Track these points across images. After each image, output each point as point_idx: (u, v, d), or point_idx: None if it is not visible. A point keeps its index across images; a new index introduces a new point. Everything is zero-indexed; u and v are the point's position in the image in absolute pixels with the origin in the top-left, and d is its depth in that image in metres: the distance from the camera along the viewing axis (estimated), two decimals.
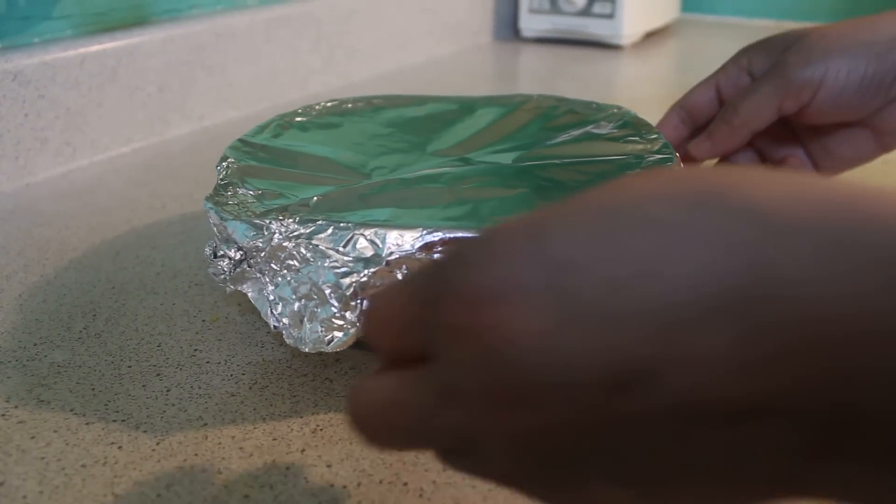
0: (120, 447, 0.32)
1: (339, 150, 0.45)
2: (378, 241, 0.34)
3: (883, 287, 0.17)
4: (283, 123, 0.48)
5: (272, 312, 0.35)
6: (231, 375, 0.37)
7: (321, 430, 0.33)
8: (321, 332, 0.34)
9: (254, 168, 0.42)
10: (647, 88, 0.93)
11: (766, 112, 0.44)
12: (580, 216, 0.19)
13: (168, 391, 0.36)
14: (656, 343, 0.18)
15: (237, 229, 0.36)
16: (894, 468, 0.17)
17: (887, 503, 0.18)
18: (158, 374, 0.37)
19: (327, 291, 0.34)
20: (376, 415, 0.22)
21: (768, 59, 0.45)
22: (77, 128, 0.65)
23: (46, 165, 0.63)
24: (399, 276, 0.33)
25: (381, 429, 0.22)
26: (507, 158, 0.44)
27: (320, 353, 0.37)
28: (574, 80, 0.95)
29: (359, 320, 0.34)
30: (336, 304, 0.34)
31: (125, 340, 0.40)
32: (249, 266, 0.36)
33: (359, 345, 0.35)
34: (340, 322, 0.34)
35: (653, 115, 0.50)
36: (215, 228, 0.37)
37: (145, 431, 0.33)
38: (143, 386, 0.36)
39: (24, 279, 0.46)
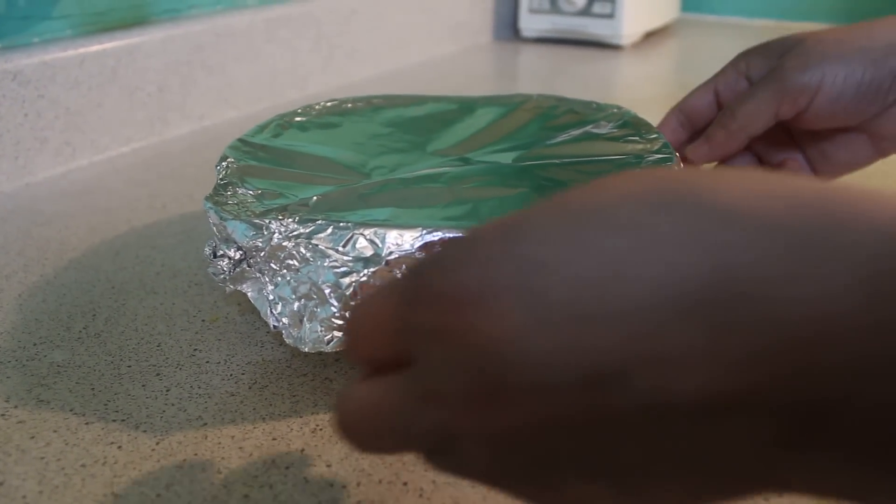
0: (119, 447, 0.32)
1: (338, 149, 0.45)
2: (378, 241, 0.34)
3: (850, 286, 0.17)
4: (283, 123, 0.48)
5: (272, 312, 0.35)
6: (231, 375, 0.37)
7: (321, 429, 0.33)
8: (321, 331, 0.34)
9: (253, 168, 0.42)
10: (646, 88, 0.93)
11: (764, 117, 0.44)
12: (553, 219, 0.19)
13: (168, 391, 0.36)
14: (626, 343, 0.18)
15: (237, 229, 0.35)
16: (864, 461, 0.17)
17: (861, 497, 0.18)
18: (158, 374, 0.37)
19: (327, 291, 0.34)
20: (362, 420, 0.22)
21: (766, 63, 0.45)
22: (77, 128, 0.65)
23: (46, 165, 0.63)
24: (399, 276, 0.33)
25: (368, 433, 0.23)
26: (506, 158, 0.44)
27: (320, 353, 0.37)
28: (574, 79, 0.95)
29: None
30: (336, 303, 0.34)
31: (125, 340, 0.40)
32: (249, 266, 0.36)
33: None
34: (340, 322, 0.34)
35: (652, 115, 0.50)
36: (215, 228, 0.37)
37: (145, 431, 0.33)
38: (143, 386, 0.36)
39: (24, 279, 0.46)
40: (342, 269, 0.34)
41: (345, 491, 0.30)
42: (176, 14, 0.75)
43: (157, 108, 0.71)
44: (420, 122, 0.49)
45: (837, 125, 0.45)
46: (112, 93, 0.67)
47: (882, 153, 0.47)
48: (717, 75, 0.48)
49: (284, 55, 0.83)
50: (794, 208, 0.18)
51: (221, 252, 0.36)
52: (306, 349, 0.34)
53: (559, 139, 0.46)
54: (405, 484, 0.30)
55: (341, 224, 0.34)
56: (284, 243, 0.34)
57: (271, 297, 0.35)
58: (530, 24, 1.15)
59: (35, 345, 0.40)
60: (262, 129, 0.47)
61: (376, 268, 0.33)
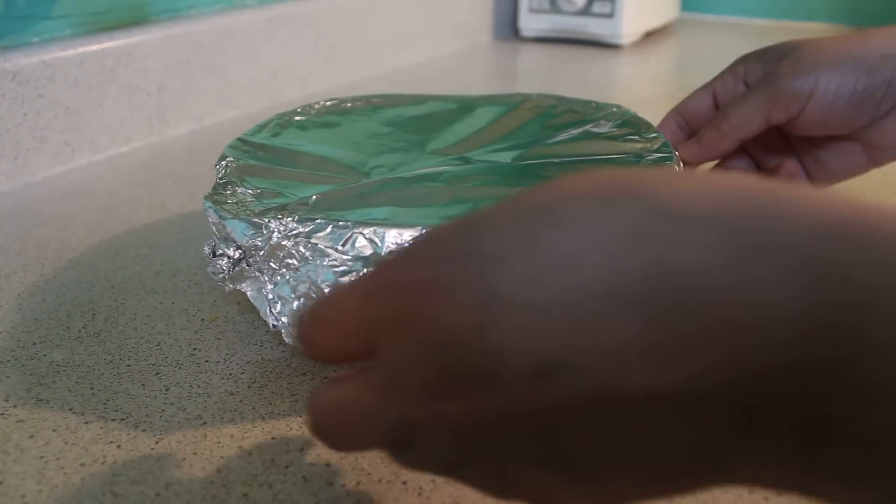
0: (119, 446, 0.32)
1: (338, 149, 0.45)
2: (377, 240, 0.34)
3: (779, 275, 0.18)
4: (283, 122, 0.48)
5: (271, 311, 0.35)
6: (230, 374, 0.37)
7: None
8: None
9: (253, 167, 0.42)
10: (646, 88, 0.93)
11: (755, 120, 0.45)
12: (507, 217, 0.20)
13: (167, 390, 0.36)
14: (571, 334, 0.19)
15: (236, 228, 0.35)
16: (798, 449, 0.18)
17: (801, 490, 0.19)
18: (157, 373, 0.37)
19: (326, 290, 0.34)
20: (332, 419, 0.23)
21: (763, 68, 0.46)
22: (76, 127, 0.65)
23: (45, 165, 0.63)
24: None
25: (337, 431, 0.24)
26: (506, 157, 0.44)
27: None
28: (573, 79, 0.95)
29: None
30: None
31: (124, 339, 0.40)
32: (248, 265, 0.36)
33: None
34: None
35: (652, 115, 0.50)
36: (214, 227, 0.37)
37: (144, 430, 0.33)
38: (142, 385, 0.36)
39: (24, 278, 0.46)
40: (341, 269, 0.34)
41: (344, 490, 0.30)
42: (175, 14, 0.75)
43: (156, 107, 0.71)
44: (419, 122, 0.49)
45: (830, 133, 0.45)
46: (111, 92, 0.67)
47: (876, 162, 0.47)
48: (715, 78, 0.48)
49: (284, 55, 0.83)
50: (734, 204, 0.19)
51: (221, 251, 0.36)
52: None
53: (558, 138, 0.46)
54: (405, 483, 0.30)
55: (340, 223, 0.34)
56: (284, 242, 0.34)
57: (270, 297, 0.35)
58: (530, 23, 1.15)
59: (34, 344, 0.40)
60: (261, 128, 0.47)
61: None
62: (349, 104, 0.52)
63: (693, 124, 0.49)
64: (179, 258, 0.49)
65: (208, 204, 0.37)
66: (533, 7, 1.13)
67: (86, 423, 0.34)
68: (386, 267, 0.22)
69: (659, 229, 0.19)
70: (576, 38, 1.13)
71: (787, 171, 0.47)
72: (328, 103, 0.52)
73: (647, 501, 0.22)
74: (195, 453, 0.32)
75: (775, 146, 0.49)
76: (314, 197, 0.38)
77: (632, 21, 1.09)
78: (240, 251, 0.36)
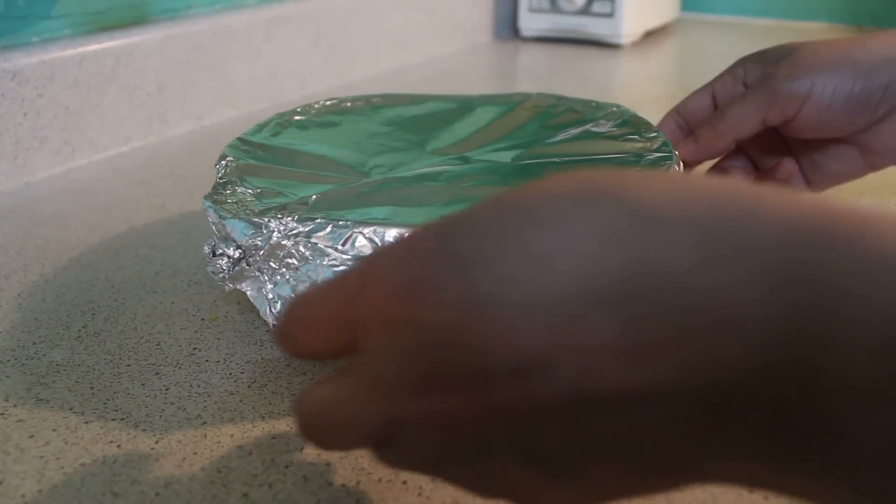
0: (119, 446, 0.32)
1: (338, 148, 0.45)
2: (377, 240, 0.34)
3: (751, 279, 0.18)
4: (283, 122, 0.48)
5: (271, 311, 0.35)
6: (230, 374, 0.37)
7: None
8: None
9: (253, 167, 0.42)
10: (646, 87, 0.93)
11: (751, 121, 0.45)
12: (486, 216, 0.21)
13: (167, 390, 0.36)
14: (550, 333, 0.19)
15: (236, 228, 0.35)
16: (772, 448, 0.18)
17: (776, 487, 0.19)
18: (157, 373, 0.37)
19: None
20: (319, 419, 0.24)
21: (762, 70, 0.46)
22: (76, 127, 0.65)
23: (45, 165, 0.63)
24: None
25: (325, 431, 0.24)
26: (506, 157, 0.44)
27: None
28: (573, 78, 0.95)
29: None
30: None
31: (124, 339, 0.40)
32: (248, 264, 0.36)
33: None
34: None
35: (652, 114, 0.50)
36: (214, 227, 0.37)
37: (144, 430, 0.33)
38: (142, 385, 0.36)
39: (23, 278, 0.46)
40: (341, 268, 0.34)
41: (344, 490, 0.30)
42: (175, 13, 0.75)
43: (156, 107, 0.71)
44: (419, 121, 0.49)
45: (826, 135, 0.45)
46: (111, 92, 0.67)
47: (873, 167, 0.47)
48: (715, 80, 0.49)
49: (284, 54, 0.83)
50: (708, 207, 0.19)
51: (221, 251, 0.36)
52: None
53: (558, 138, 0.46)
54: (405, 483, 0.30)
55: (340, 223, 0.34)
56: (283, 242, 0.34)
57: (270, 296, 0.35)
58: (530, 23, 1.15)
59: (34, 344, 0.40)
60: (261, 127, 0.47)
61: None
62: (349, 104, 0.52)
63: (692, 124, 0.49)
64: (179, 258, 0.49)
65: (208, 203, 0.37)
66: (533, 7, 1.13)
67: (86, 422, 0.34)
68: (368, 266, 0.22)
69: (636, 231, 0.19)
70: (576, 38, 1.13)
71: (786, 171, 0.47)
72: (328, 103, 0.52)
73: (629, 498, 0.22)
74: (195, 453, 0.32)
75: (773, 148, 0.49)
76: (314, 196, 0.38)
77: (632, 21, 1.09)
78: (240, 251, 0.36)
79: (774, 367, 0.18)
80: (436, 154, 0.45)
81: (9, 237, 0.52)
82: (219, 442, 0.32)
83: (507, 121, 0.49)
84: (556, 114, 0.50)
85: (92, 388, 0.36)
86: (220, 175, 0.40)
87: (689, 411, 0.19)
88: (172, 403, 0.35)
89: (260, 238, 0.35)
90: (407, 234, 0.22)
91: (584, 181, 0.20)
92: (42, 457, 0.31)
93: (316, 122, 0.49)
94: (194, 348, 0.39)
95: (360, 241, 0.34)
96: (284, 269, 0.35)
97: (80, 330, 0.41)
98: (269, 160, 0.43)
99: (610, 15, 1.08)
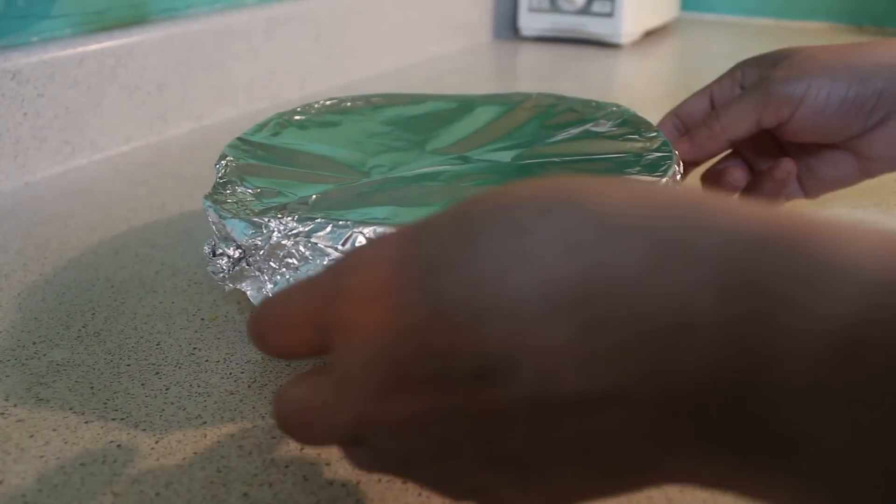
0: (119, 446, 0.32)
1: (338, 148, 0.45)
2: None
3: (700, 286, 0.18)
4: (282, 122, 0.48)
5: None
6: (230, 374, 0.37)
7: None
8: None
9: (253, 166, 0.42)
10: (646, 87, 0.93)
11: (745, 122, 0.45)
12: (449, 222, 0.21)
13: (167, 389, 0.36)
14: (510, 337, 0.19)
15: (236, 227, 0.35)
16: (727, 452, 0.19)
17: (736, 489, 0.20)
18: (157, 373, 0.37)
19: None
20: (293, 415, 0.24)
21: (759, 73, 0.46)
22: (76, 127, 0.65)
23: (45, 164, 0.63)
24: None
25: (300, 427, 0.24)
26: (506, 157, 0.44)
27: None
28: (573, 78, 0.95)
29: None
30: None
31: (124, 339, 0.40)
32: (248, 264, 0.36)
33: None
34: None
35: (652, 114, 0.50)
36: (214, 227, 0.37)
37: (144, 430, 0.33)
38: (142, 384, 0.36)
39: (23, 278, 0.46)
40: None
41: (344, 489, 0.30)
42: (175, 13, 0.75)
43: (156, 107, 0.71)
44: (419, 121, 0.49)
45: (820, 140, 0.46)
46: (111, 92, 0.67)
47: (868, 173, 0.48)
48: (713, 82, 0.49)
49: (284, 54, 0.83)
50: (663, 214, 0.20)
51: (221, 251, 0.36)
52: None
53: (558, 138, 0.46)
54: (405, 483, 0.30)
55: (340, 222, 0.34)
56: (283, 242, 0.34)
57: (271, 296, 0.35)
58: (530, 22, 1.15)
59: (34, 343, 0.40)
60: (261, 127, 0.47)
61: None
62: (349, 103, 0.52)
63: (690, 126, 0.49)
64: (179, 258, 0.49)
65: (208, 203, 0.37)
66: (533, 6, 1.13)
67: (86, 422, 0.34)
68: (337, 269, 0.23)
69: (593, 238, 0.19)
70: (576, 38, 1.13)
71: (784, 171, 0.47)
72: (328, 103, 0.52)
73: (594, 499, 0.22)
74: (195, 453, 0.32)
75: (768, 152, 0.50)
76: (314, 196, 0.38)
77: (631, 20, 1.09)
78: (240, 250, 0.36)
79: (724, 373, 0.18)
80: (436, 154, 0.45)
81: (9, 237, 0.52)
82: (219, 442, 0.32)
83: (506, 121, 0.49)
84: (555, 113, 0.50)
85: (92, 387, 0.36)
86: (220, 175, 0.40)
87: (646, 414, 0.19)
88: (172, 403, 0.35)
89: (260, 238, 0.35)
90: (375, 239, 0.23)
91: (541, 188, 0.21)
92: (42, 456, 0.32)
93: (316, 122, 0.49)
94: (194, 348, 0.39)
95: (360, 241, 0.34)
96: (284, 269, 0.35)
97: (80, 330, 0.41)
98: (269, 160, 0.43)
99: (610, 15, 1.08)
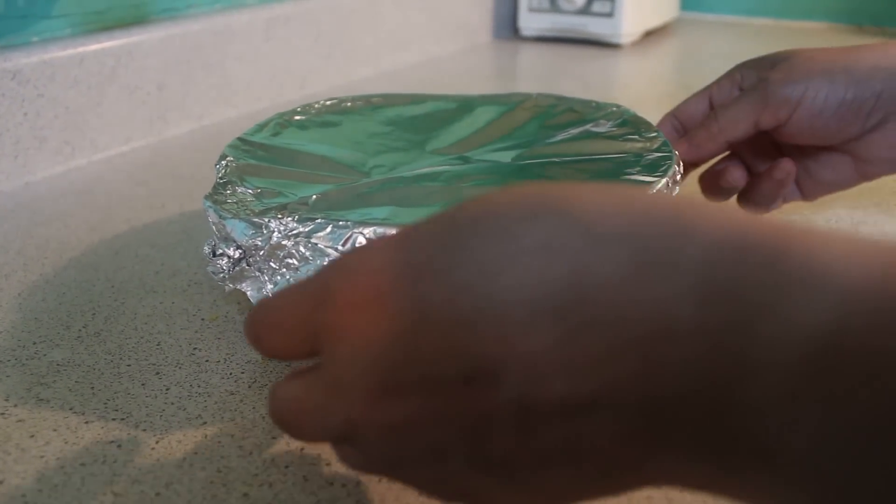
0: (119, 446, 0.32)
1: (338, 148, 0.45)
2: None
3: (684, 292, 0.19)
4: (283, 122, 0.48)
5: None
6: (230, 374, 0.37)
7: None
8: None
9: (253, 166, 0.42)
10: (646, 87, 0.93)
11: (743, 123, 0.45)
12: (437, 228, 0.22)
13: (167, 390, 0.36)
14: (495, 343, 0.19)
15: (236, 228, 0.36)
16: (709, 455, 0.19)
17: (720, 491, 0.20)
18: (158, 373, 0.37)
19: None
20: (288, 412, 0.25)
21: (757, 75, 0.46)
22: (76, 127, 0.65)
23: (46, 164, 0.63)
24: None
25: (293, 423, 0.25)
26: (506, 157, 0.44)
27: None
28: (573, 78, 0.95)
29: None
30: None
31: (124, 339, 0.40)
32: (248, 265, 0.36)
33: None
34: None
35: (652, 114, 0.50)
36: (214, 227, 0.37)
37: (144, 430, 0.33)
38: (143, 384, 0.36)
39: (24, 278, 0.46)
40: None
41: (344, 490, 0.30)
42: (175, 13, 0.75)
43: (156, 107, 0.71)
44: (419, 121, 0.49)
45: (818, 142, 0.46)
46: (111, 92, 0.67)
47: (865, 176, 0.48)
48: (712, 84, 0.49)
49: (284, 54, 0.83)
50: (645, 221, 0.20)
51: (221, 251, 0.36)
52: None
53: (558, 138, 0.46)
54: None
55: (340, 223, 0.34)
56: (284, 242, 0.34)
57: (271, 296, 0.35)
58: (530, 22, 1.15)
59: (35, 343, 0.40)
60: (261, 127, 0.47)
61: None
62: (349, 104, 0.52)
63: (689, 127, 0.50)
64: (179, 258, 0.49)
65: (208, 203, 0.37)
66: (533, 6, 1.13)
67: (86, 422, 0.34)
68: (327, 274, 0.23)
69: (577, 245, 0.20)
70: (576, 38, 1.13)
71: (783, 171, 0.47)
72: (328, 103, 0.52)
73: (581, 500, 0.22)
74: (195, 453, 0.32)
75: (767, 154, 0.50)
76: (314, 196, 0.38)
77: (631, 20, 1.09)
78: (240, 251, 0.36)
79: (705, 379, 0.18)
80: (436, 154, 0.45)
81: (9, 237, 0.52)
82: (219, 442, 0.32)
83: (506, 121, 0.49)
84: (555, 114, 0.50)
85: (92, 387, 0.36)
86: (220, 175, 0.40)
87: (631, 418, 0.19)
88: (173, 403, 0.35)
89: (260, 238, 0.35)
90: (362, 245, 0.23)
91: (525, 195, 0.21)
92: (42, 457, 0.32)
93: (316, 122, 0.49)
94: (194, 348, 0.39)
95: (361, 242, 0.34)
96: (285, 270, 0.35)
97: (80, 330, 0.41)
98: (270, 160, 0.43)
99: (610, 15, 1.08)
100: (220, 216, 0.36)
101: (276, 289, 0.35)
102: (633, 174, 0.40)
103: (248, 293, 0.36)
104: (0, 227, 0.54)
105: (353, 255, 0.23)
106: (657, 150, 0.42)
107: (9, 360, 0.38)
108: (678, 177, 0.41)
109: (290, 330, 0.24)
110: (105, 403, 0.35)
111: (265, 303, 0.26)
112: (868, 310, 0.17)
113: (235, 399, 0.35)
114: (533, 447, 0.20)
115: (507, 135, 0.47)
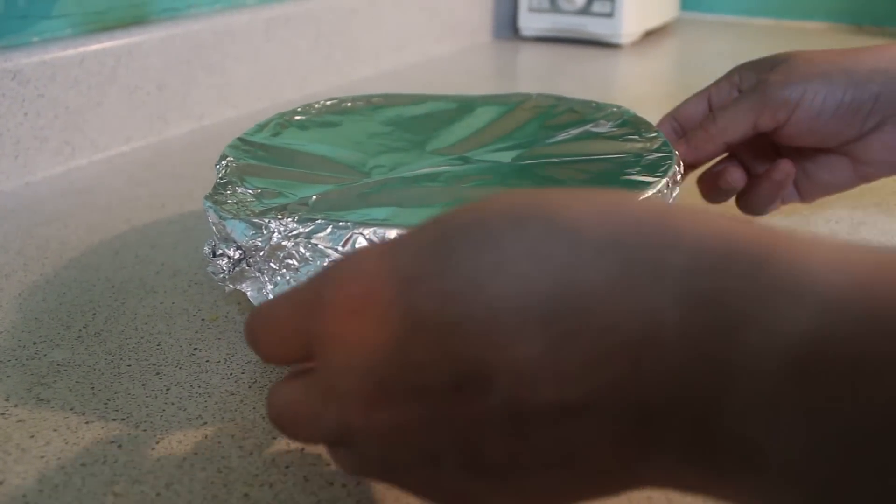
0: (119, 446, 0.32)
1: (338, 148, 0.45)
2: (377, 241, 0.34)
3: (669, 301, 0.19)
4: (283, 122, 0.48)
5: None
6: (230, 374, 0.37)
7: None
8: None
9: (253, 167, 0.42)
10: (646, 87, 0.93)
11: (741, 125, 0.45)
12: (426, 237, 0.22)
13: (168, 390, 0.36)
14: (484, 349, 0.20)
15: (236, 228, 0.36)
16: (698, 459, 0.19)
17: (709, 493, 0.20)
18: (158, 373, 0.37)
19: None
20: (285, 415, 0.25)
21: (756, 76, 0.46)
22: (76, 127, 0.65)
23: (46, 164, 0.63)
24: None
25: (289, 427, 0.25)
26: (506, 157, 0.44)
27: None
28: (573, 78, 0.95)
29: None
30: None
31: (125, 339, 0.40)
32: (248, 265, 0.36)
33: None
34: None
35: (652, 114, 0.50)
36: (214, 227, 0.37)
37: (145, 430, 0.33)
38: (143, 385, 0.36)
39: (24, 278, 0.46)
40: None
41: (345, 490, 0.30)
42: (175, 13, 0.75)
43: (156, 107, 0.71)
44: (419, 121, 0.49)
45: (817, 144, 0.46)
46: (112, 92, 0.67)
47: (864, 178, 0.48)
48: (711, 85, 0.49)
49: (284, 54, 0.83)
50: (632, 229, 0.20)
51: (221, 251, 0.36)
52: None
53: (558, 138, 0.46)
54: None
55: (341, 223, 0.34)
56: (284, 242, 0.34)
57: (271, 297, 0.35)
58: (530, 22, 1.15)
59: (35, 344, 0.40)
60: (261, 127, 0.47)
61: None
62: (349, 104, 0.52)
63: (688, 129, 0.50)
64: (179, 258, 0.49)
65: (208, 204, 0.37)
66: (533, 6, 1.13)
67: (86, 422, 0.34)
68: (319, 281, 0.24)
69: (564, 252, 0.20)
70: (576, 38, 1.13)
71: (782, 172, 0.47)
72: (328, 103, 0.52)
73: (574, 503, 0.22)
74: (196, 453, 0.32)
75: (766, 156, 0.50)
76: (314, 197, 0.38)
77: (631, 20, 1.09)
78: (240, 251, 0.36)
79: (691, 386, 0.18)
80: (436, 154, 0.45)
81: (9, 237, 0.52)
82: (219, 442, 0.32)
83: (507, 121, 0.49)
84: (556, 114, 0.50)
85: (93, 388, 0.36)
86: (220, 175, 0.40)
87: (620, 423, 0.19)
88: (173, 404, 0.35)
89: (260, 239, 0.35)
90: (353, 253, 0.24)
91: (513, 203, 0.21)
92: (43, 457, 0.32)
93: (316, 122, 0.49)
94: (195, 348, 0.39)
95: (361, 242, 0.34)
96: (285, 270, 0.35)
97: (80, 330, 0.41)
98: (270, 160, 0.43)
99: (610, 15, 1.08)
100: (221, 216, 0.36)
101: (276, 289, 0.35)
102: (634, 174, 0.40)
103: (249, 294, 0.36)
104: (0, 227, 0.54)
105: (344, 264, 0.23)
106: (657, 151, 0.43)
107: (9, 361, 0.38)
108: (678, 177, 0.41)
109: (284, 337, 0.25)
110: (105, 403, 0.35)
111: (260, 310, 0.26)
112: (850, 318, 0.17)
113: (236, 399, 0.35)
114: (525, 451, 0.21)
115: (508, 135, 0.47)
